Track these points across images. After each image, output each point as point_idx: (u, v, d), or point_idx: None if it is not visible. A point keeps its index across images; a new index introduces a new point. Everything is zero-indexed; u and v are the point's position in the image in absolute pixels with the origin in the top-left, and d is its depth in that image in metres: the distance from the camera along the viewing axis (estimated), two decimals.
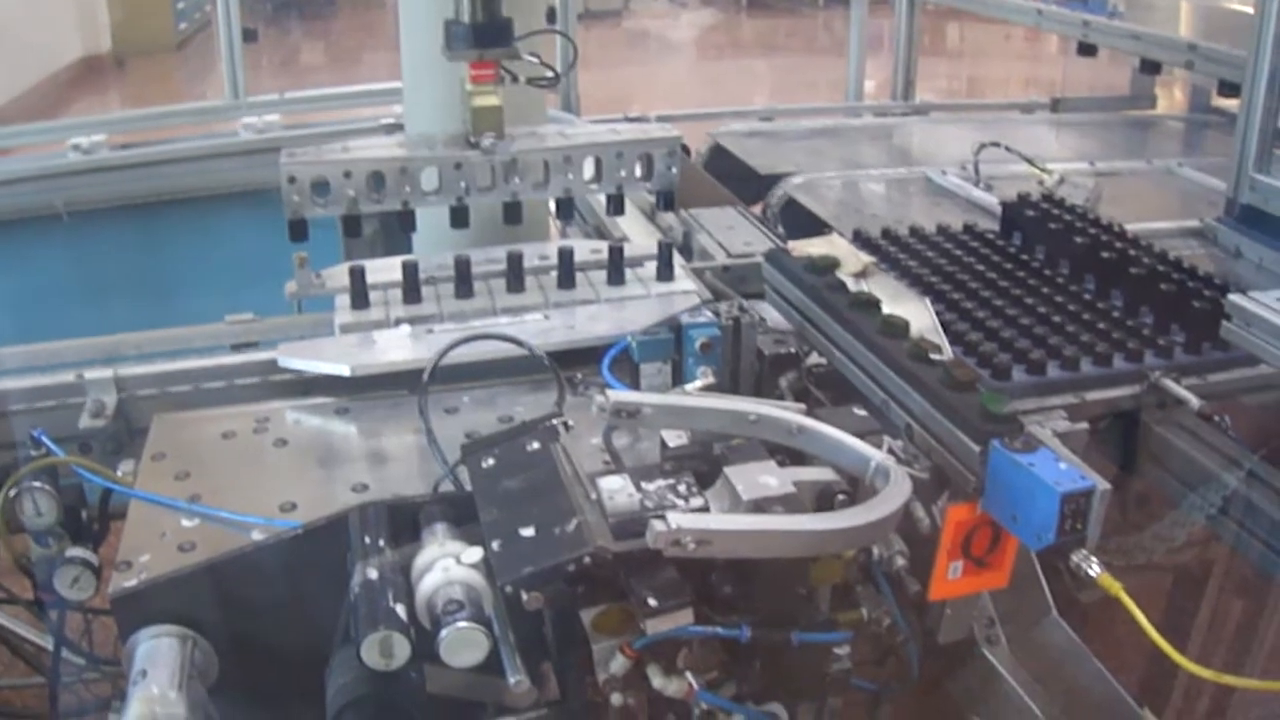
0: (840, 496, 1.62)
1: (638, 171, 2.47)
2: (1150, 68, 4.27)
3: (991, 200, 3.26)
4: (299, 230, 2.37)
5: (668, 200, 2.54)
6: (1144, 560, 2.44)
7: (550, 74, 2.63)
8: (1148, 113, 4.89)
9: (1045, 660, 2.04)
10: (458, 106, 2.46)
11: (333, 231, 2.67)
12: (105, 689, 2.16)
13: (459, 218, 2.45)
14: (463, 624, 1.47)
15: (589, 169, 2.46)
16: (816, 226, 3.18)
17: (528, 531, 1.52)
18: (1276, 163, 2.93)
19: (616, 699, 1.57)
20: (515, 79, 2.48)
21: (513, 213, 2.50)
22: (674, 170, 2.48)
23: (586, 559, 1.45)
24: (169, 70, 13.12)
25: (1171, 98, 5.35)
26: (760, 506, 1.56)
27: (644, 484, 1.60)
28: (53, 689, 2.12)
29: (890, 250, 2.80)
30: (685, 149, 4.13)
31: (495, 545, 1.52)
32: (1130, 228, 2.89)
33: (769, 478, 1.60)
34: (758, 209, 3.54)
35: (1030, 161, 3.59)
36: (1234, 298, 2.18)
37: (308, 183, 2.34)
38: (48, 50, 11.82)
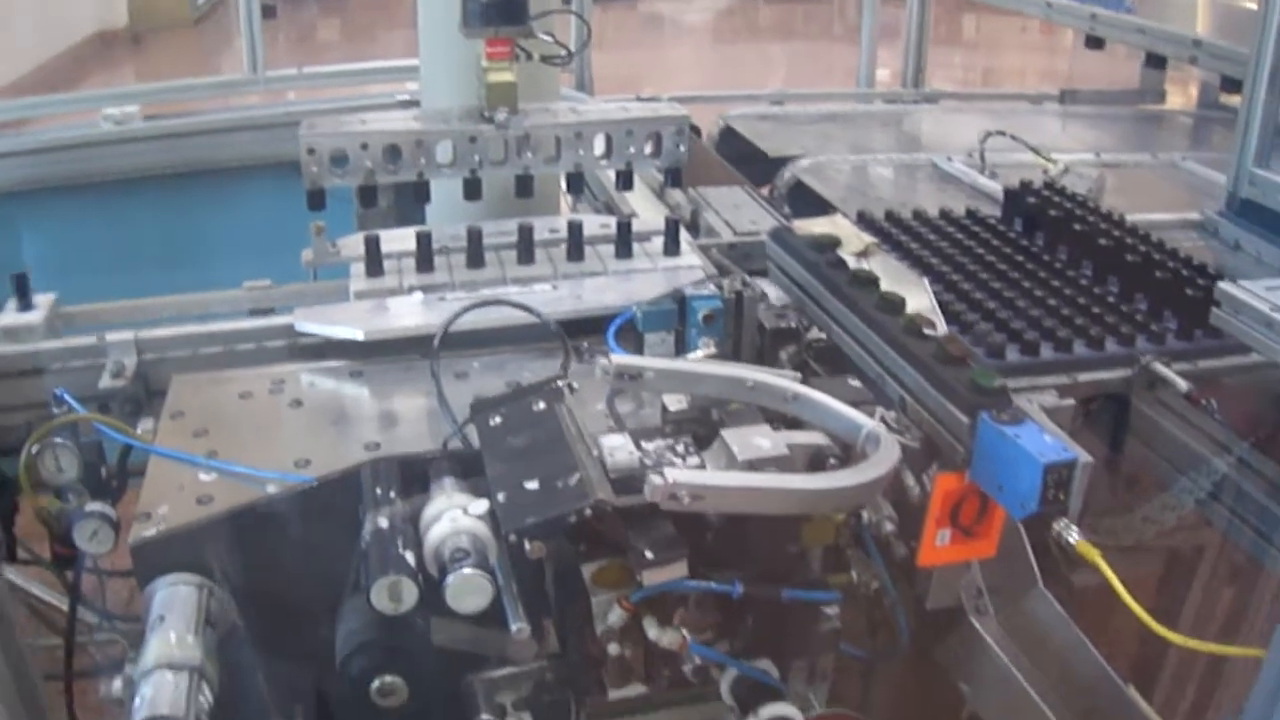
0: (831, 460, 1.69)
1: (647, 149, 2.52)
2: (1156, 62, 4.32)
3: (995, 187, 3.31)
4: (317, 199, 2.43)
5: (675, 177, 2.59)
6: (1133, 542, 2.50)
7: (564, 52, 2.68)
8: (1157, 107, 4.93)
9: (1031, 631, 2.10)
10: (473, 83, 2.52)
11: (348, 204, 2.73)
12: (119, 650, 2.23)
13: (472, 190, 2.51)
14: (468, 570, 1.54)
15: (599, 145, 2.52)
16: (822, 208, 3.24)
17: (532, 485, 1.59)
18: (1276, 158, 2.98)
19: (613, 649, 1.64)
20: (529, 56, 2.53)
21: (524, 186, 2.56)
22: (682, 148, 2.53)
23: (587, 511, 1.52)
24: (185, 46, 13.16)
25: (1187, 94, 5.39)
26: (754, 466, 1.63)
27: (644, 443, 1.67)
28: (69, 645, 2.17)
29: (893, 232, 2.86)
30: (696, 130, 4.20)
31: (500, 497, 1.59)
32: (1131, 218, 2.94)
33: (763, 440, 1.67)
34: (767, 190, 3.61)
35: (1035, 151, 3.65)
36: (1223, 285, 2.23)
37: (326, 154, 2.40)
38: (63, 25, 11.85)
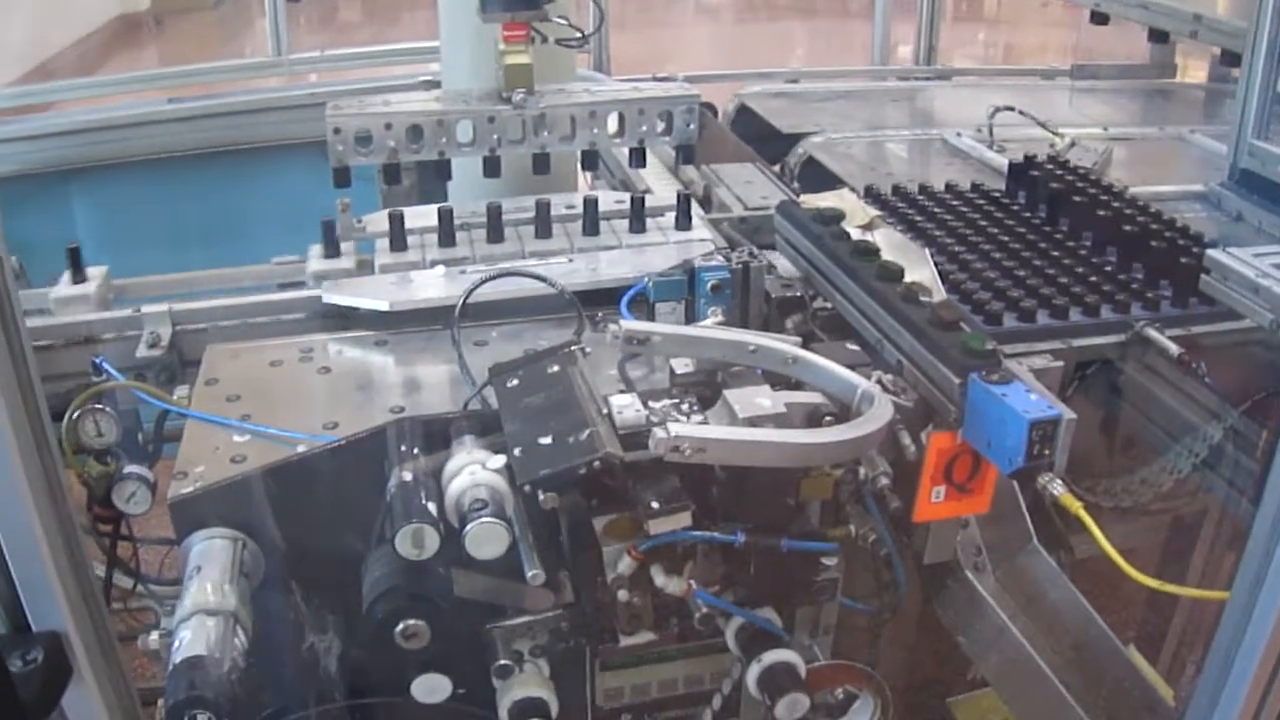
0: (827, 418, 1.78)
1: (659, 127, 2.60)
2: (1159, 36, 4.37)
3: (1002, 162, 3.34)
4: (342, 177, 2.52)
5: (687, 154, 2.67)
6: (1130, 504, 2.57)
7: (578, 35, 2.77)
8: (1167, 81, 4.97)
9: (1026, 587, 2.19)
10: (492, 65, 2.60)
11: (372, 183, 2.82)
12: (148, 617, 2.33)
13: (491, 167, 2.59)
14: (486, 519, 1.64)
15: (613, 124, 2.60)
16: (833, 183, 3.30)
17: (545, 440, 1.69)
18: (1276, 129, 3.04)
19: (623, 595, 1.74)
20: (545, 39, 2.62)
21: (541, 163, 2.64)
22: (692, 126, 2.61)
23: (596, 463, 1.62)
24: (206, 28, 13.23)
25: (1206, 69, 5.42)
26: (754, 423, 1.73)
27: (651, 403, 1.77)
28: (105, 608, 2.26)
29: (899, 206, 2.94)
30: (712, 109, 4.27)
31: (516, 452, 1.70)
32: (1135, 190, 2.98)
33: (763, 399, 1.77)
34: (779, 167, 3.68)
35: (1043, 125, 3.71)
36: (1212, 253, 2.30)
37: (351, 133, 2.49)
38: (85, 7, 11.91)
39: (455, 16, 2.90)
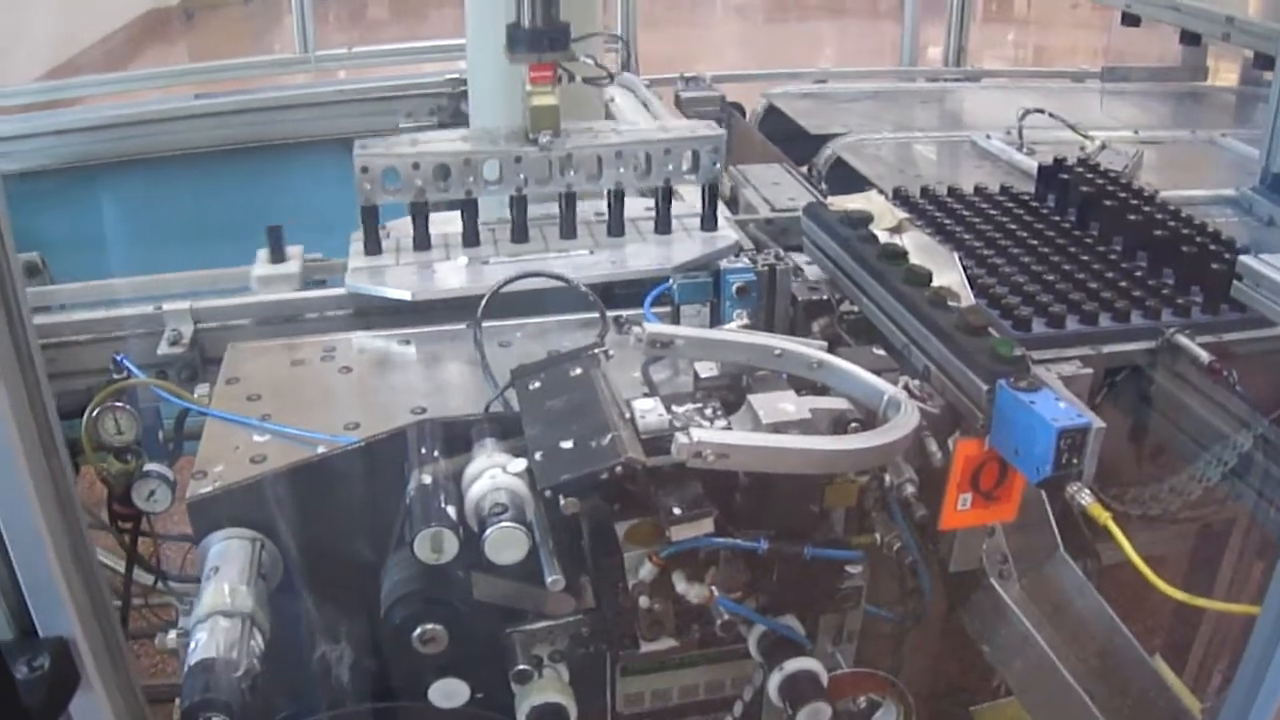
0: (853, 424, 1.76)
1: (685, 166, 2.57)
2: (1190, 39, 4.34)
3: (1032, 164, 3.32)
4: (370, 216, 2.49)
5: (712, 193, 2.62)
6: (1159, 512, 2.54)
7: (605, 75, 2.81)
8: (1199, 84, 4.93)
9: (1053, 596, 2.17)
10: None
11: None
12: (168, 614, 2.32)
13: (518, 207, 2.57)
14: (506, 524, 1.62)
15: (640, 163, 2.56)
16: (861, 185, 3.29)
17: (567, 444, 1.67)
18: None
19: (644, 601, 1.73)
20: (572, 78, 2.61)
21: (569, 203, 2.61)
22: (718, 165, 2.58)
23: (618, 469, 1.60)
24: (235, 23, 13.28)
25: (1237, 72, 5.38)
26: (778, 429, 1.70)
27: (674, 407, 1.75)
28: (125, 606, 2.26)
29: (927, 209, 2.91)
30: (740, 109, 4.26)
31: (538, 456, 1.68)
32: (1166, 194, 2.96)
33: (788, 405, 1.75)
34: (806, 168, 3.66)
35: (1073, 128, 3.69)
36: (1245, 259, 2.27)
37: (379, 173, 2.48)
38: (114, 1, 11.96)
39: (482, 11, 2.90)
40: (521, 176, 2.50)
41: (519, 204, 2.53)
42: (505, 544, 1.63)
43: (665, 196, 2.58)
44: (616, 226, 2.56)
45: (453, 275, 2.38)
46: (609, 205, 2.56)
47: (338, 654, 1.87)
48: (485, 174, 2.51)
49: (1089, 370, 2.13)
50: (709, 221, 2.60)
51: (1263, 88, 4.66)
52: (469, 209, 2.50)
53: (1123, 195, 2.85)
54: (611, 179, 2.54)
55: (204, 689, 1.54)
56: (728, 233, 2.58)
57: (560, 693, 1.85)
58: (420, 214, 2.49)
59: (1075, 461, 1.70)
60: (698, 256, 2.36)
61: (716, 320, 2.27)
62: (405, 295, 2.28)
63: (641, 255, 2.46)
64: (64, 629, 1.45)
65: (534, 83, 2.50)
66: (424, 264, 2.45)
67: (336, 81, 4.55)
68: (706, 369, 1.90)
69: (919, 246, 2.37)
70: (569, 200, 2.55)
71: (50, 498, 1.42)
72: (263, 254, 2.54)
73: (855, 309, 2.32)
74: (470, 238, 2.51)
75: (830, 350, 1.91)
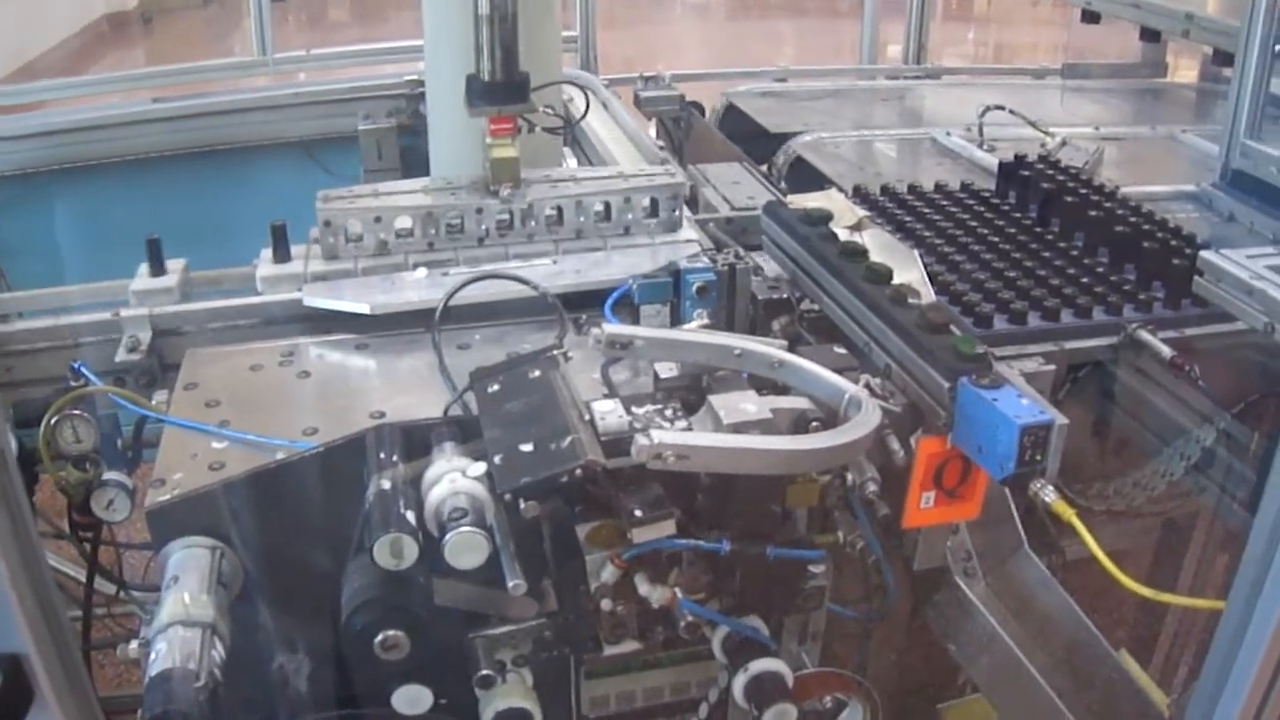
0: (814, 423, 1.75)
1: (644, 213, 2.57)
2: (1150, 35, 4.36)
3: (992, 161, 3.33)
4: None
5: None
6: (1123, 507, 2.55)
7: (562, 125, 2.89)
8: (1159, 81, 4.95)
9: (1017, 593, 2.17)
10: (474, 67, 2.56)
11: (357, 180, 2.78)
12: (131, 623, 2.29)
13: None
14: (466, 528, 1.61)
15: (599, 209, 2.56)
16: (821, 183, 3.28)
17: (526, 447, 1.66)
18: (1268, 130, 3.02)
19: (606, 604, 1.71)
20: (532, 128, 2.64)
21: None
22: (677, 213, 2.59)
23: (578, 471, 1.59)
24: (194, 27, 13.20)
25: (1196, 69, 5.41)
26: (739, 429, 1.70)
27: (634, 408, 1.74)
28: (86, 616, 2.23)
29: (888, 206, 2.92)
30: (700, 108, 4.25)
31: (497, 459, 1.67)
32: (1127, 190, 2.97)
33: (749, 405, 1.74)
34: (766, 167, 3.65)
35: (1033, 125, 3.70)
36: (1206, 254, 2.29)
37: (343, 226, 2.46)
38: (71, 6, 11.85)
39: (439, 13, 2.88)
40: (483, 227, 2.49)
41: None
42: (465, 548, 1.62)
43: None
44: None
45: (411, 289, 2.35)
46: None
47: (298, 663, 1.85)
48: (445, 227, 2.50)
49: (1051, 367, 2.14)
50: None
51: (1222, 84, 4.68)
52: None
53: (1084, 191, 2.86)
54: (573, 226, 2.54)
55: (165, 700, 1.52)
56: (689, 234, 2.57)
57: (524, 697, 1.83)
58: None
59: (1039, 458, 1.70)
60: (661, 267, 2.34)
61: (677, 320, 2.27)
62: (363, 309, 2.26)
63: (604, 264, 2.43)
64: (16, 645, 1.42)
65: (494, 135, 2.50)
66: (384, 275, 2.42)
67: (295, 84, 4.51)
68: (666, 369, 1.89)
69: (879, 244, 2.37)
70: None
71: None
72: (144, 269, 2.49)
73: (816, 307, 2.31)
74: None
75: (791, 349, 1.91)
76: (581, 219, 2.54)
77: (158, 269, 2.48)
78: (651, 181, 2.59)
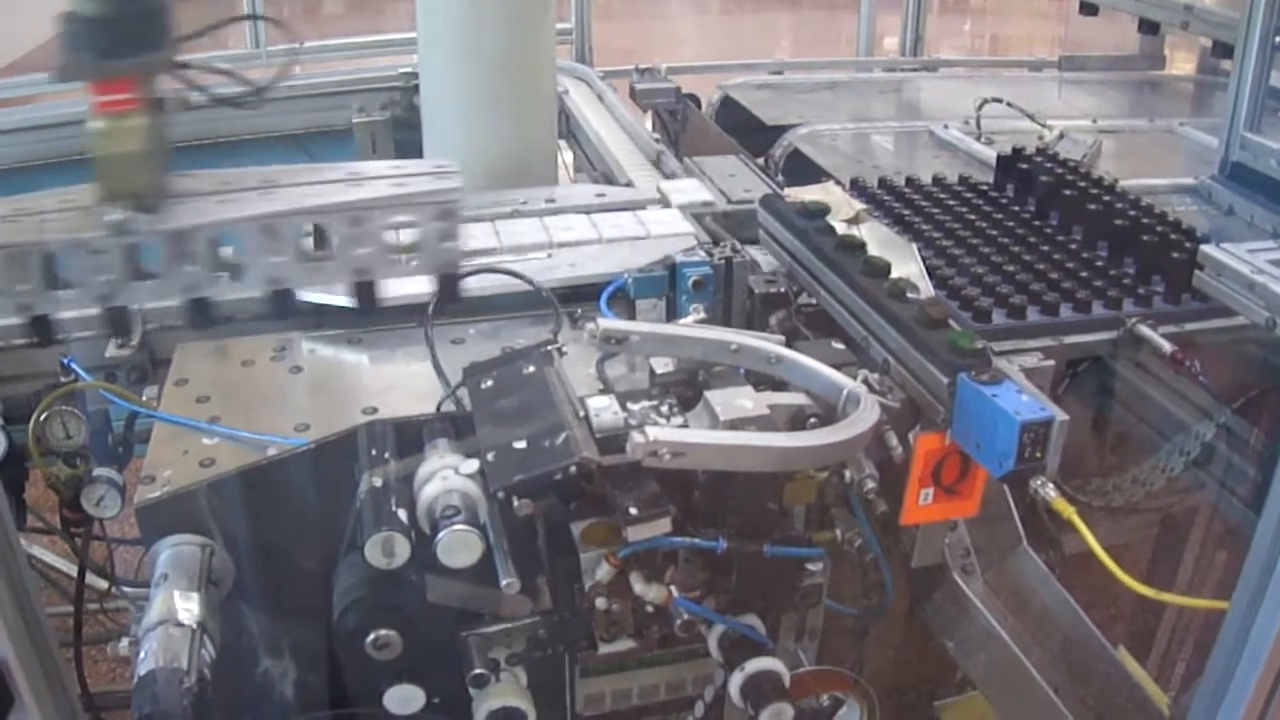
0: (812, 420, 1.73)
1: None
2: (1148, 27, 4.35)
3: (990, 154, 3.31)
4: None
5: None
6: (1122, 503, 2.54)
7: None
8: (1157, 73, 4.94)
9: (1016, 590, 2.15)
10: (470, 57, 2.53)
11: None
12: (124, 618, 2.28)
13: None
14: (459, 527, 1.59)
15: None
16: (818, 176, 3.26)
17: (520, 444, 1.64)
18: (1268, 122, 3.00)
19: (601, 603, 1.70)
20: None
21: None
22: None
23: (572, 468, 1.57)
24: (185, 22, 13.13)
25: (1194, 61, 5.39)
26: (735, 426, 1.67)
27: (630, 404, 1.72)
28: (78, 612, 2.22)
29: (885, 199, 2.89)
30: (696, 100, 4.23)
31: (490, 456, 1.65)
32: (1126, 184, 2.95)
33: (745, 400, 1.72)
34: (763, 159, 3.63)
35: (1031, 117, 3.68)
36: (1206, 248, 2.27)
37: None
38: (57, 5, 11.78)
39: (433, 7, 2.85)
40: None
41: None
42: (458, 547, 1.60)
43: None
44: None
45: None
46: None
47: (289, 663, 1.84)
48: None
49: (1050, 362, 2.12)
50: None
51: (1221, 76, 4.67)
52: None
53: (1082, 185, 2.84)
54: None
55: (153, 700, 1.51)
56: (685, 227, 2.54)
57: (518, 696, 1.82)
58: None
59: (1039, 455, 1.69)
60: (656, 260, 2.32)
61: (673, 314, 2.25)
62: (352, 302, 2.24)
63: (599, 258, 2.40)
64: None
65: (103, 111, 1.68)
66: None
67: (289, 77, 4.48)
68: (662, 365, 1.86)
69: (877, 238, 2.35)
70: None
71: None
72: None
73: (813, 302, 2.29)
74: None
75: (788, 344, 1.88)
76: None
77: None
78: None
